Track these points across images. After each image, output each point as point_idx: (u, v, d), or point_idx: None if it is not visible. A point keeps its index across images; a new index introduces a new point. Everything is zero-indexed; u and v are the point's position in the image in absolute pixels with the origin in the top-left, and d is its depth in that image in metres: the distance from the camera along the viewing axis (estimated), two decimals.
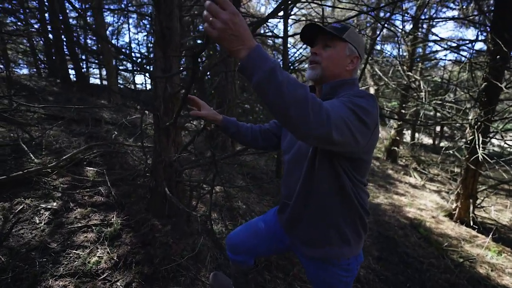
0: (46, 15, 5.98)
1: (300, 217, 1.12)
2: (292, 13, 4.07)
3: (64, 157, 2.64)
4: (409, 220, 4.53)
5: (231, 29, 0.67)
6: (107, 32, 8.69)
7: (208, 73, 6.38)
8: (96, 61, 8.51)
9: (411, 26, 6.99)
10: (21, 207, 2.15)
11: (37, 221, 2.07)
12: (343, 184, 1.00)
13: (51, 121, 3.56)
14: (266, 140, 1.38)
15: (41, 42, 7.10)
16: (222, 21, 0.67)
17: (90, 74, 10.22)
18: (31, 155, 2.64)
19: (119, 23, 9.14)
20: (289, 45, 4.59)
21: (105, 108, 4.85)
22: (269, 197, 3.88)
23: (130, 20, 9.95)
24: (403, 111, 7.32)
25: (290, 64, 4.33)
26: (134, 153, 3.40)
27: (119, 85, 8.36)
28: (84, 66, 8.86)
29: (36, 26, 6.38)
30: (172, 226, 2.55)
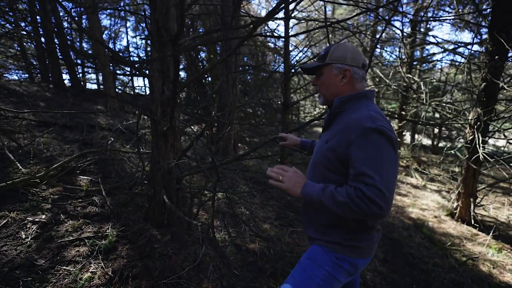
0: (38, 17, 5.81)
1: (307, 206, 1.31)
2: (293, 15, 3.99)
3: (54, 166, 2.48)
4: (412, 220, 4.55)
5: (292, 179, 1.12)
6: (104, 36, 8.56)
7: (208, 76, 6.28)
8: (93, 66, 8.35)
9: (410, 29, 7.00)
10: (4, 221, 1.99)
11: (23, 236, 1.92)
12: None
13: (42, 128, 3.40)
14: None
15: (33, 45, 6.93)
16: (288, 176, 1.13)
17: (87, 79, 10.06)
18: (18, 164, 2.49)
19: (117, 27, 9.02)
20: (290, 48, 4.52)
21: (101, 113, 4.72)
22: (273, 201, 3.76)
23: (128, 24, 9.84)
24: (403, 112, 7.31)
25: (291, 67, 4.24)
26: (131, 160, 3.27)
27: (117, 89, 8.20)
28: (80, 71, 8.69)
29: (27, 29, 6.22)
30: (172, 236, 2.42)
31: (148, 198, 2.51)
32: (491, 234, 3.81)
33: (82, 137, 3.46)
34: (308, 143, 1.69)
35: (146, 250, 2.12)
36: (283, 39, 4.31)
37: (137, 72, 2.36)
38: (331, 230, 1.16)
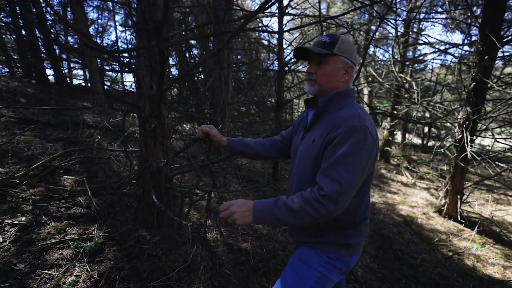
0: (17, 8, 5.51)
1: None
2: (287, 11, 3.93)
3: (35, 165, 2.35)
4: (402, 217, 4.64)
5: (240, 211, 1.00)
6: (91, 30, 8.27)
7: (201, 73, 6.16)
8: (80, 61, 8.07)
9: (403, 29, 7.06)
10: None
11: (0, 240, 1.81)
12: None
13: (23, 126, 3.23)
14: (278, 152, 1.45)
15: (13, 38, 6.60)
16: (232, 212, 1.01)
17: (73, 75, 9.74)
18: None
19: (104, 20, 8.72)
20: (284, 45, 4.47)
21: (87, 110, 4.56)
22: None
23: (117, 17, 9.54)
24: (395, 112, 7.40)
25: (285, 65, 4.18)
26: (119, 159, 3.16)
27: (105, 86, 7.94)
28: (66, 66, 8.38)
29: (5, 20, 5.91)
30: (162, 236, 2.34)
31: (136, 198, 2.42)
32: (475, 229, 3.91)
33: (67, 135, 3.33)
34: (236, 144, 1.42)
35: (134, 252, 2.04)
36: (276, 37, 4.25)
37: (126, 68, 2.26)
38: (324, 231, 1.13)
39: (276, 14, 3.56)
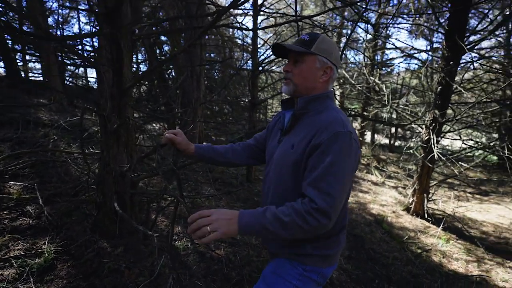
0: None
1: None
2: (262, 10, 3.85)
3: None
4: (373, 216, 4.76)
5: (223, 219, 0.88)
6: (50, 20, 7.56)
7: (171, 71, 5.87)
8: (37, 54, 7.34)
9: (372, 33, 7.33)
10: None
11: None
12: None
13: None
14: (251, 157, 1.35)
15: None
16: (214, 219, 0.87)
17: (29, 69, 8.87)
18: None
19: (66, 11, 8.02)
20: (258, 44, 4.38)
21: (44, 108, 4.14)
22: (239, 203, 3.60)
23: (80, 8, 8.83)
24: (365, 113, 7.66)
25: (259, 64, 4.10)
26: (78, 161, 2.86)
27: (68, 81, 7.32)
28: (20, 59, 7.59)
29: None
30: (125, 247, 2.14)
31: (96, 206, 2.19)
32: (441, 226, 4.10)
33: (17, 135, 2.96)
34: (205, 150, 1.29)
35: (92, 267, 1.83)
36: (251, 36, 4.15)
37: (85, 62, 2.03)
38: (300, 242, 1.05)
39: (250, 13, 3.47)
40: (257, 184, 4.69)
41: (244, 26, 2.22)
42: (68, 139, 3.41)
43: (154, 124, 5.65)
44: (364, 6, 2.21)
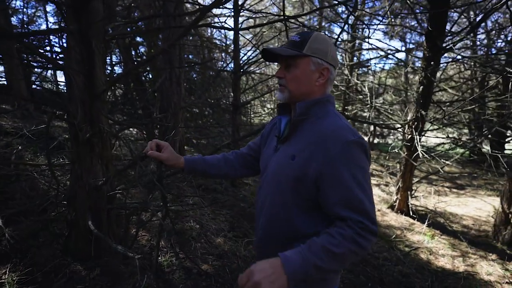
0: None
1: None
2: (243, 10, 3.72)
3: None
4: None
5: (266, 278, 0.74)
6: (14, 20, 6.96)
7: (149, 73, 5.59)
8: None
9: (350, 34, 7.47)
10: None
11: None
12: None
13: None
14: (245, 167, 1.22)
15: None
16: (258, 283, 0.72)
17: None
18: None
19: (31, 10, 7.42)
20: (240, 45, 4.25)
21: (6, 114, 3.77)
22: (225, 210, 3.45)
23: (48, 8, 8.23)
24: (346, 113, 7.77)
25: (241, 65, 3.97)
26: (45, 174, 2.58)
27: (36, 85, 6.78)
28: None
29: None
30: (102, 269, 1.94)
31: (67, 224, 1.97)
32: (426, 223, 4.17)
33: None
34: (197, 164, 1.15)
35: None
36: (232, 37, 4.02)
37: (51, 64, 1.81)
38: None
39: (231, 14, 3.34)
40: (242, 188, 4.56)
41: (226, 26, 2.10)
42: (35, 149, 3.10)
43: (131, 129, 5.35)
44: (351, 6, 2.16)
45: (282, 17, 1.95)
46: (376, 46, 5.39)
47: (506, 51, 6.03)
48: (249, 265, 2.36)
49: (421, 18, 4.89)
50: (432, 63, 3.35)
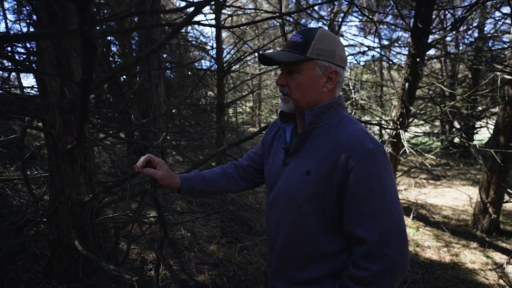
0: None
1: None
2: (223, 10, 3.61)
3: None
4: None
5: None
6: None
7: (123, 74, 5.29)
8: None
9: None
10: None
11: None
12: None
13: None
14: (246, 180, 1.12)
15: None
16: None
17: None
18: None
19: None
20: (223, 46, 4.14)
21: None
22: (215, 215, 3.35)
23: (6, 5, 7.58)
24: None
25: (224, 65, 3.87)
26: (19, 189, 2.35)
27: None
28: None
29: None
30: None
31: (49, 244, 1.80)
32: (411, 215, 4.29)
33: None
34: (194, 182, 1.03)
35: None
36: (208, 35, 3.90)
37: (20, 67, 1.62)
38: (316, 285, 0.86)
39: (229, 12, 3.23)
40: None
41: (208, 23, 2.01)
42: (5, 160, 2.83)
43: (114, 136, 5.06)
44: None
45: (279, 13, 1.88)
46: (360, 42, 5.49)
47: (474, 46, 6.42)
48: (247, 271, 2.26)
49: (406, 15, 5.02)
50: (418, 59, 3.43)
